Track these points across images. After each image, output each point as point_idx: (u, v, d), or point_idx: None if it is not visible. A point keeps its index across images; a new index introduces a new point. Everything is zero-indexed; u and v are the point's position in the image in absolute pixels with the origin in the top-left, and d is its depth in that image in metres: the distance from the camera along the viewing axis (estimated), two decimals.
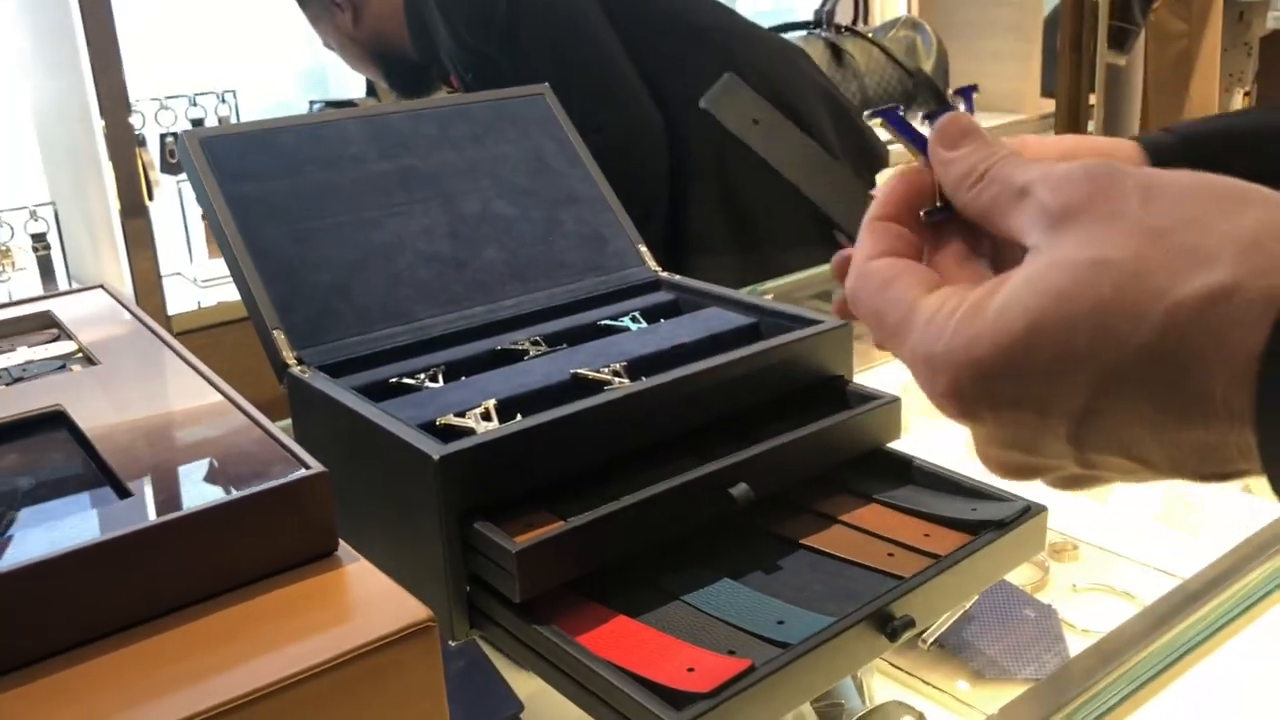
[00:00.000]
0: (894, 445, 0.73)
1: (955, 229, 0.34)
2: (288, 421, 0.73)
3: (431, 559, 0.60)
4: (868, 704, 0.73)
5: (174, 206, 2.05)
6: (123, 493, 0.48)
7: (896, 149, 1.78)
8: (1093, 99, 2.35)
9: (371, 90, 1.99)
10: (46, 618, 0.43)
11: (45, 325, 0.68)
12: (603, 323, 0.81)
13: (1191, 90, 2.32)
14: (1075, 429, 0.28)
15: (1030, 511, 0.65)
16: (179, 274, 2.10)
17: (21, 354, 0.62)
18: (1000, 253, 0.33)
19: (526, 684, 0.74)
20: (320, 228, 0.78)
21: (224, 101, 2.12)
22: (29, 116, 2.00)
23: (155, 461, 0.51)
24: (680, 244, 1.44)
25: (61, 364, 0.61)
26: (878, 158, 1.63)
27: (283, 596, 0.46)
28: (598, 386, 0.70)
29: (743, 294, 0.83)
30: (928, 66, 2.31)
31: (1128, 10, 2.33)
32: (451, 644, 0.62)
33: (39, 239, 1.85)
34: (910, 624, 0.58)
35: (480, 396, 0.68)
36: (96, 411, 0.55)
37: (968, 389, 0.29)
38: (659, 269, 0.89)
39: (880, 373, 1.28)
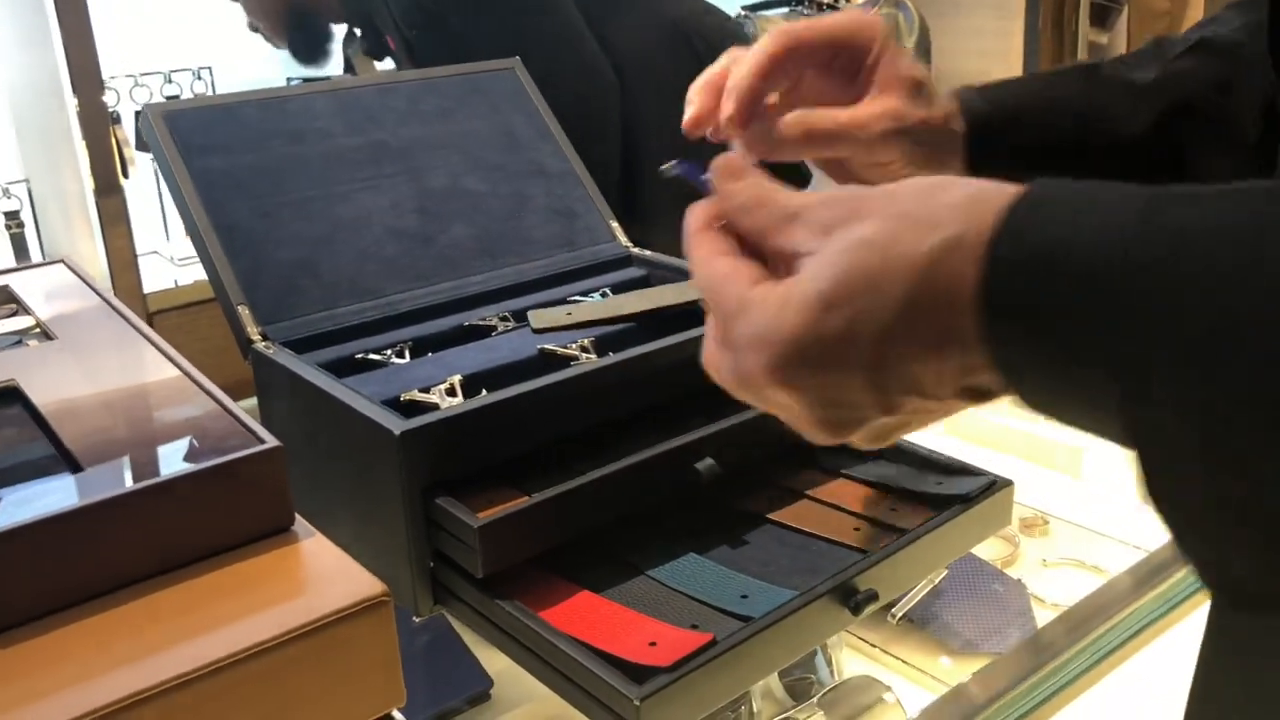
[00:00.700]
0: None
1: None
2: (255, 399, 0.73)
3: (395, 535, 0.60)
4: (836, 678, 0.74)
5: (150, 184, 2.03)
6: (76, 468, 0.48)
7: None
8: None
9: (350, 68, 1.97)
10: None
11: (4, 300, 0.67)
12: (572, 299, 0.80)
13: None
14: (872, 376, 0.35)
15: (995, 486, 0.65)
16: (155, 252, 2.08)
17: None
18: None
19: (497, 660, 0.74)
20: (286, 203, 0.77)
21: (200, 78, 2.09)
22: (2, 93, 1.97)
23: (109, 437, 0.50)
24: (632, 209, 1.42)
25: (18, 339, 0.61)
26: None
27: (237, 572, 0.46)
28: (564, 362, 0.69)
29: None
30: (910, 44, 2.30)
31: None
32: (416, 620, 0.62)
33: (12, 216, 1.82)
34: (874, 598, 0.58)
35: (446, 372, 0.68)
36: (52, 387, 0.54)
37: (785, 360, 0.36)
38: (629, 245, 0.88)
39: None
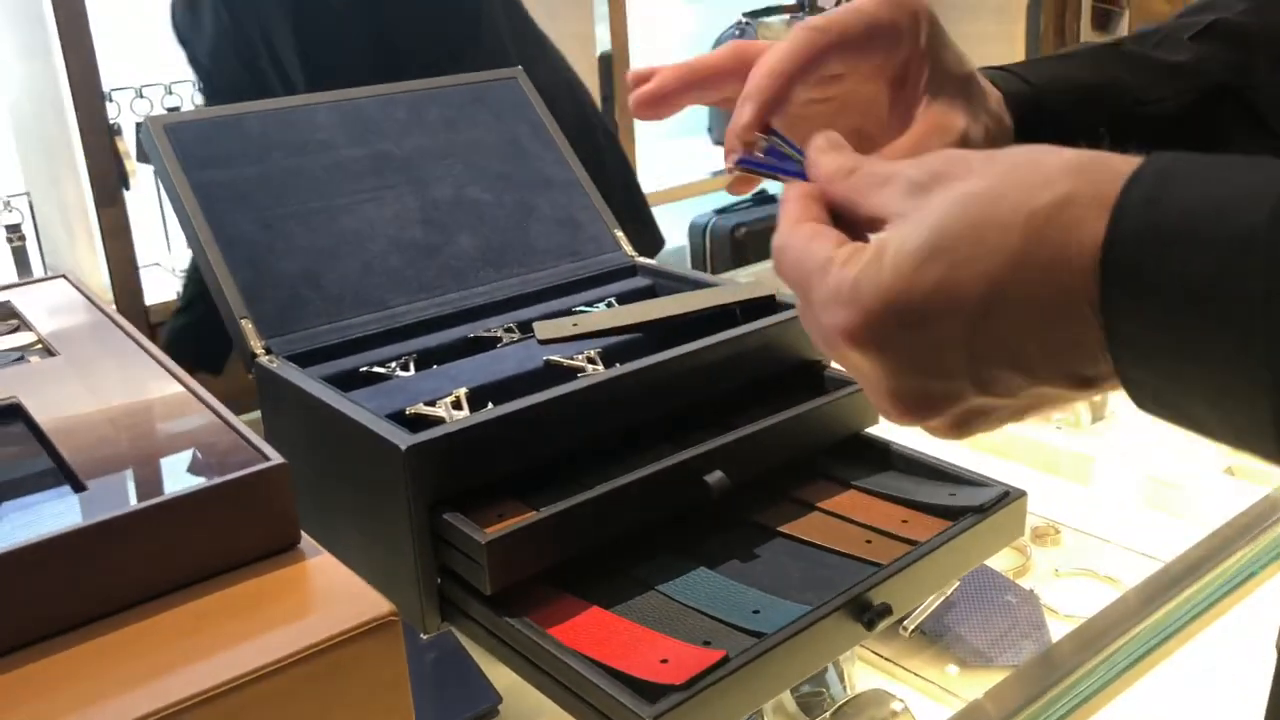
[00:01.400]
0: (872, 430, 0.72)
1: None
2: (257, 412, 0.72)
3: (402, 551, 0.59)
4: (849, 692, 0.73)
5: (151, 195, 2.03)
6: (78, 487, 0.47)
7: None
8: None
9: None
10: None
11: (5, 316, 0.66)
12: (578, 309, 0.80)
13: None
14: (969, 336, 0.32)
15: (1009, 496, 0.64)
16: (157, 264, 2.08)
17: None
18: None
19: (506, 676, 0.73)
20: (289, 214, 0.76)
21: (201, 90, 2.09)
22: (3, 106, 1.97)
23: (113, 454, 0.49)
24: None
25: (20, 355, 0.60)
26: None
27: (243, 591, 0.45)
28: (571, 373, 0.68)
29: (718, 278, 0.82)
30: None
31: None
32: (424, 637, 0.61)
33: (13, 230, 1.82)
34: (887, 612, 0.57)
35: (451, 385, 0.67)
36: (53, 404, 0.54)
37: (872, 315, 0.33)
38: (634, 254, 0.87)
39: None
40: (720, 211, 2.82)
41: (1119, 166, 0.31)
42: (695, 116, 2.36)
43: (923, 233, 0.32)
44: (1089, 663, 0.65)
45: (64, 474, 0.49)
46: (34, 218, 1.88)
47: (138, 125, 2.00)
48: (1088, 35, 2.45)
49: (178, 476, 0.48)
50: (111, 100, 1.81)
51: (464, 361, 0.71)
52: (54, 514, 0.46)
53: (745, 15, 2.18)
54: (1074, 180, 0.31)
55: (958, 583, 0.79)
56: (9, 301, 0.67)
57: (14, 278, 1.82)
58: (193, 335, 1.32)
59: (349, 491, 0.63)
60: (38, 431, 0.52)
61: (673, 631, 0.55)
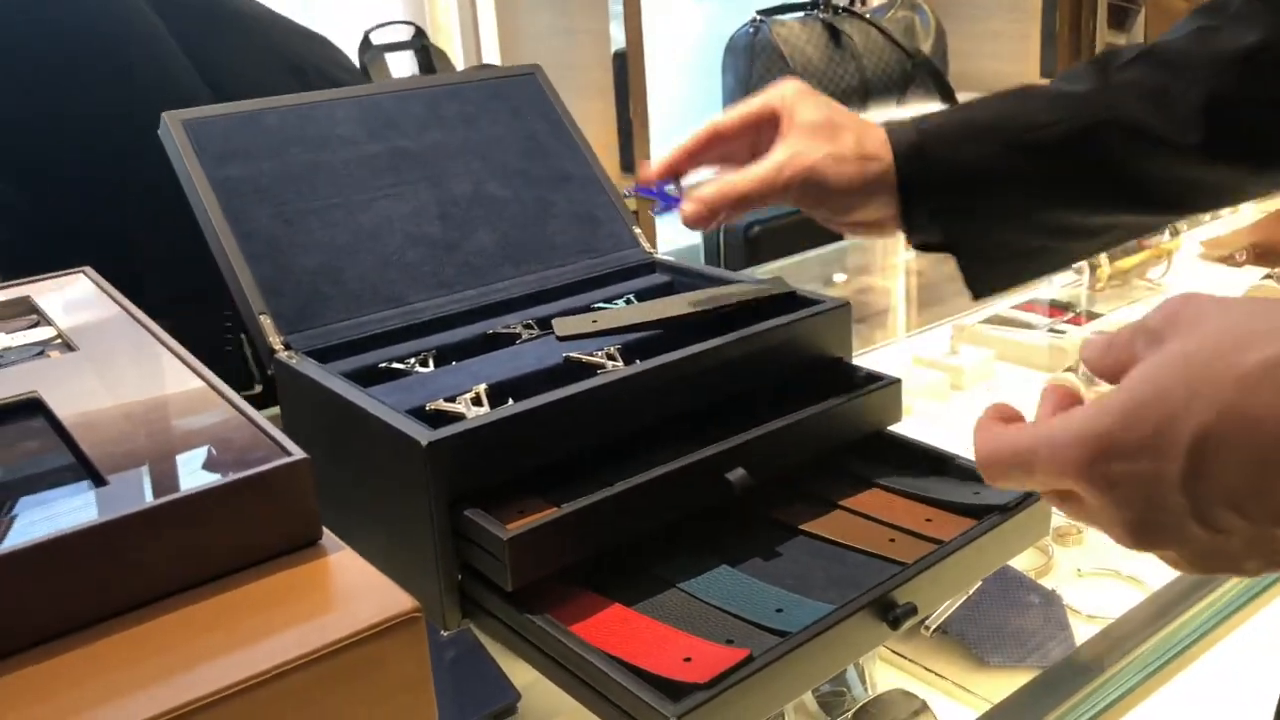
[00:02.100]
0: (895, 428, 0.71)
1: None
2: (277, 409, 0.72)
3: (422, 547, 0.59)
4: (870, 692, 0.72)
5: None
6: (99, 481, 0.47)
7: None
8: None
9: (366, 75, 1.97)
10: (19, 610, 0.41)
11: (24, 311, 0.66)
12: (596, 306, 0.79)
13: None
14: (1185, 481, 0.35)
15: (1033, 496, 0.64)
16: None
17: None
18: None
19: (524, 673, 0.73)
20: (308, 210, 0.76)
21: None
22: None
23: (133, 449, 0.49)
24: None
25: (40, 350, 0.60)
26: None
27: (265, 587, 0.45)
28: (591, 370, 0.68)
29: (737, 275, 0.81)
30: (926, 47, 2.29)
31: None
32: (444, 634, 0.61)
33: None
34: (912, 611, 0.57)
35: (471, 381, 0.67)
36: (74, 398, 0.53)
37: (1100, 451, 0.36)
38: (653, 251, 0.87)
39: (880, 355, 1.27)
40: None
41: None
42: (710, 114, 2.36)
43: (1135, 391, 0.36)
44: (1116, 665, 0.64)
45: (85, 469, 0.48)
46: None
47: None
48: (1104, 33, 2.44)
49: (199, 471, 0.48)
50: None
51: (483, 358, 0.71)
52: (75, 509, 0.46)
53: (759, 14, 2.17)
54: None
55: (980, 582, 0.78)
56: (28, 296, 0.67)
57: None
58: None
59: (369, 488, 0.63)
60: (58, 426, 0.51)
61: (695, 630, 0.55)
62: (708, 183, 0.66)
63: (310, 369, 0.67)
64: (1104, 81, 0.66)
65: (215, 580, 0.45)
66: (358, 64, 1.93)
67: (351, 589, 0.45)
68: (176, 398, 0.54)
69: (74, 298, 0.67)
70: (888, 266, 1.67)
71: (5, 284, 0.68)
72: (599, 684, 0.52)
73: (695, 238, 2.55)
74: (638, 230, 0.88)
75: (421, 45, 1.88)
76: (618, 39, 1.86)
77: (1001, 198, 0.65)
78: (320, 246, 0.75)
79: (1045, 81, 0.72)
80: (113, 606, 0.43)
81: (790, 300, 0.74)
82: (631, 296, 0.81)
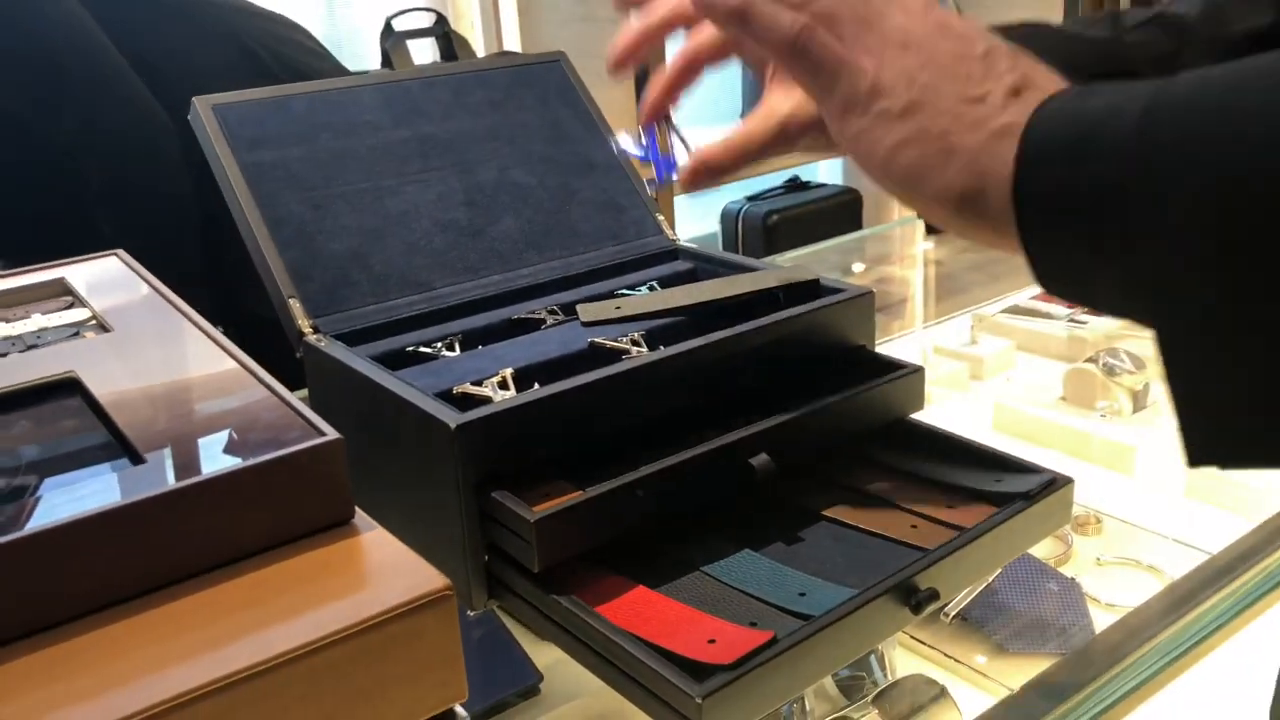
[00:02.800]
0: (917, 416, 0.72)
1: None
2: (305, 391, 0.73)
3: (449, 528, 0.59)
4: (890, 677, 0.73)
5: None
6: (136, 459, 0.48)
7: None
8: None
9: (387, 61, 1.97)
10: (60, 584, 0.42)
11: (59, 292, 0.67)
12: (620, 292, 0.80)
13: None
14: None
15: (1055, 484, 0.64)
16: None
17: (35, 321, 0.62)
18: None
19: (546, 654, 0.74)
20: (336, 195, 0.77)
21: None
22: None
23: (169, 428, 0.50)
24: (225, 268, 1.17)
25: (75, 331, 0.61)
26: None
27: (299, 564, 0.46)
28: (615, 355, 0.69)
29: (760, 262, 0.82)
30: None
31: None
32: (470, 614, 0.62)
33: None
34: (934, 597, 0.57)
35: (497, 365, 0.67)
36: (110, 378, 0.54)
37: None
38: (675, 238, 0.87)
39: (900, 344, 1.27)
40: (752, 198, 2.82)
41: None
42: (728, 103, 2.36)
43: None
44: (1135, 653, 0.64)
45: (122, 447, 0.49)
46: None
47: None
48: (1128, 5, 2.42)
49: (234, 451, 0.49)
50: None
51: (508, 342, 0.72)
52: (113, 486, 0.47)
53: None
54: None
55: (1000, 570, 0.78)
56: (63, 278, 0.68)
57: None
58: None
59: (396, 469, 0.64)
60: (95, 405, 0.52)
61: (719, 612, 0.56)
62: (695, 156, 0.61)
63: (339, 351, 0.68)
64: (1118, 35, 0.64)
65: (249, 558, 0.46)
66: (379, 51, 1.94)
67: (384, 567, 0.45)
68: (210, 378, 0.55)
69: (107, 279, 0.68)
70: (907, 256, 1.67)
71: (40, 265, 0.70)
72: (625, 664, 0.52)
73: (713, 226, 2.55)
74: (661, 217, 0.88)
75: (443, 32, 1.89)
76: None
77: None
78: (348, 232, 0.75)
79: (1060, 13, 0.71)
80: (149, 583, 0.44)
81: (813, 288, 0.74)
82: (655, 283, 0.81)
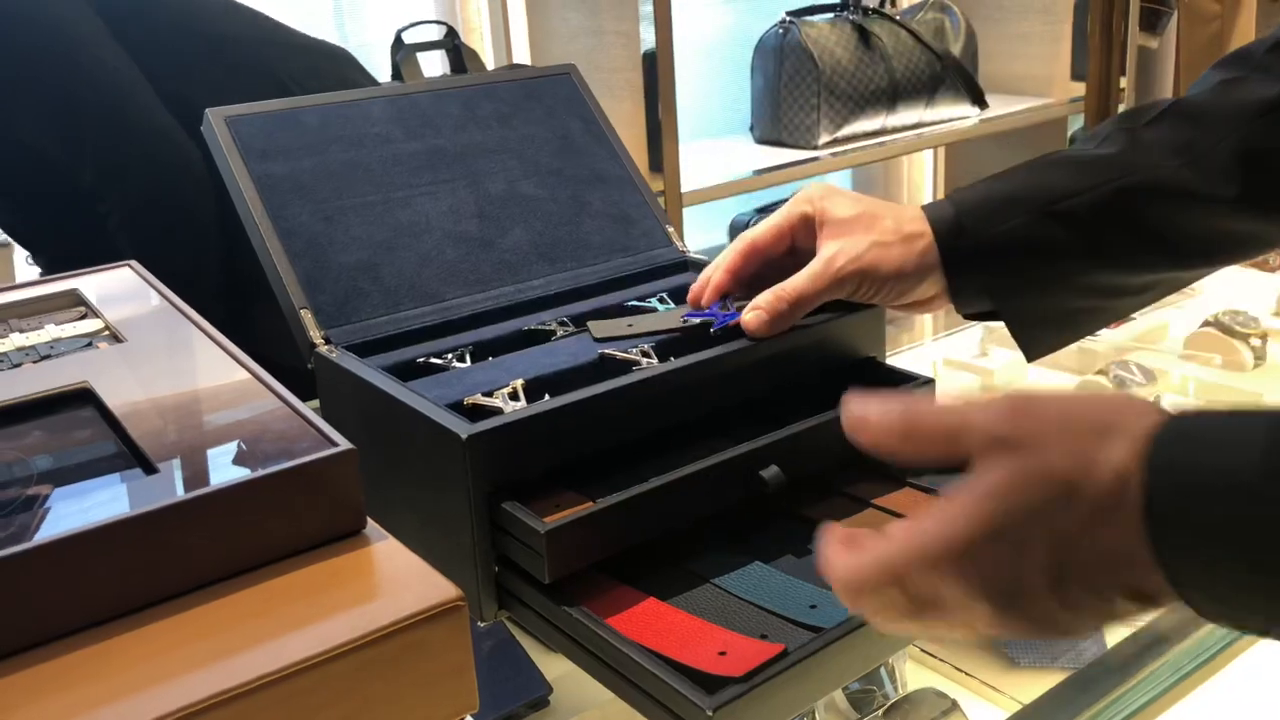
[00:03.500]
0: None
1: None
2: (316, 402, 0.73)
3: (460, 539, 0.60)
4: (900, 690, 0.72)
5: None
6: (149, 469, 0.48)
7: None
8: (1124, 82, 2.31)
9: (397, 74, 1.98)
10: (72, 594, 0.42)
11: (72, 303, 0.68)
12: (630, 304, 0.80)
13: None
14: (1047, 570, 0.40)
15: None
16: None
17: (49, 331, 0.62)
18: None
19: (555, 666, 0.74)
20: (347, 207, 0.77)
21: None
22: None
23: (182, 439, 0.50)
24: (245, 291, 1.16)
25: (88, 341, 0.61)
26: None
27: (310, 574, 0.46)
28: (626, 367, 0.69)
29: None
30: (956, 49, 2.28)
31: None
32: (480, 625, 0.62)
33: None
34: None
35: (507, 377, 0.67)
36: (123, 389, 0.54)
37: (966, 547, 0.41)
38: (685, 249, 0.88)
39: (909, 357, 1.27)
40: (761, 210, 2.82)
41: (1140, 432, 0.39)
42: (737, 115, 2.36)
43: (996, 493, 0.42)
44: (1148, 667, 0.64)
45: (135, 457, 0.49)
46: None
47: None
48: (1135, 36, 2.42)
49: (247, 462, 0.49)
50: None
51: (519, 354, 0.72)
52: (126, 496, 0.47)
53: (789, 14, 2.18)
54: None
55: None
56: (76, 289, 0.68)
57: None
58: None
59: (407, 480, 0.64)
60: (108, 416, 0.52)
61: (729, 624, 0.55)
62: (765, 291, 0.67)
63: (350, 363, 0.68)
64: (1131, 141, 0.67)
65: (262, 568, 0.46)
66: (390, 64, 1.94)
67: (395, 577, 0.46)
68: (223, 389, 0.55)
69: (120, 290, 0.69)
70: None
71: (54, 276, 0.70)
72: (635, 676, 0.52)
73: (723, 238, 2.56)
74: (671, 229, 0.88)
75: (453, 45, 1.89)
76: (647, 40, 1.87)
77: (1045, 266, 0.66)
78: (359, 243, 0.76)
79: (1073, 127, 0.74)
80: (161, 592, 0.44)
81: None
82: (664, 295, 0.82)
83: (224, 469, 0.48)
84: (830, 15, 2.21)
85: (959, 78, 2.23)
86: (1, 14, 1.07)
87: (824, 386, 0.70)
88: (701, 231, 2.33)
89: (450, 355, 0.72)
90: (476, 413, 0.63)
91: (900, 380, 0.71)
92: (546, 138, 0.88)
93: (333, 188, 0.77)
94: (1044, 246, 0.66)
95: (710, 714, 0.48)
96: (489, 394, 0.65)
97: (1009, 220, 0.66)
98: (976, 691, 0.74)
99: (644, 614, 0.56)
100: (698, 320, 0.71)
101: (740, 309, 0.69)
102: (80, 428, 0.52)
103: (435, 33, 1.91)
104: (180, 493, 0.45)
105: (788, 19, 2.16)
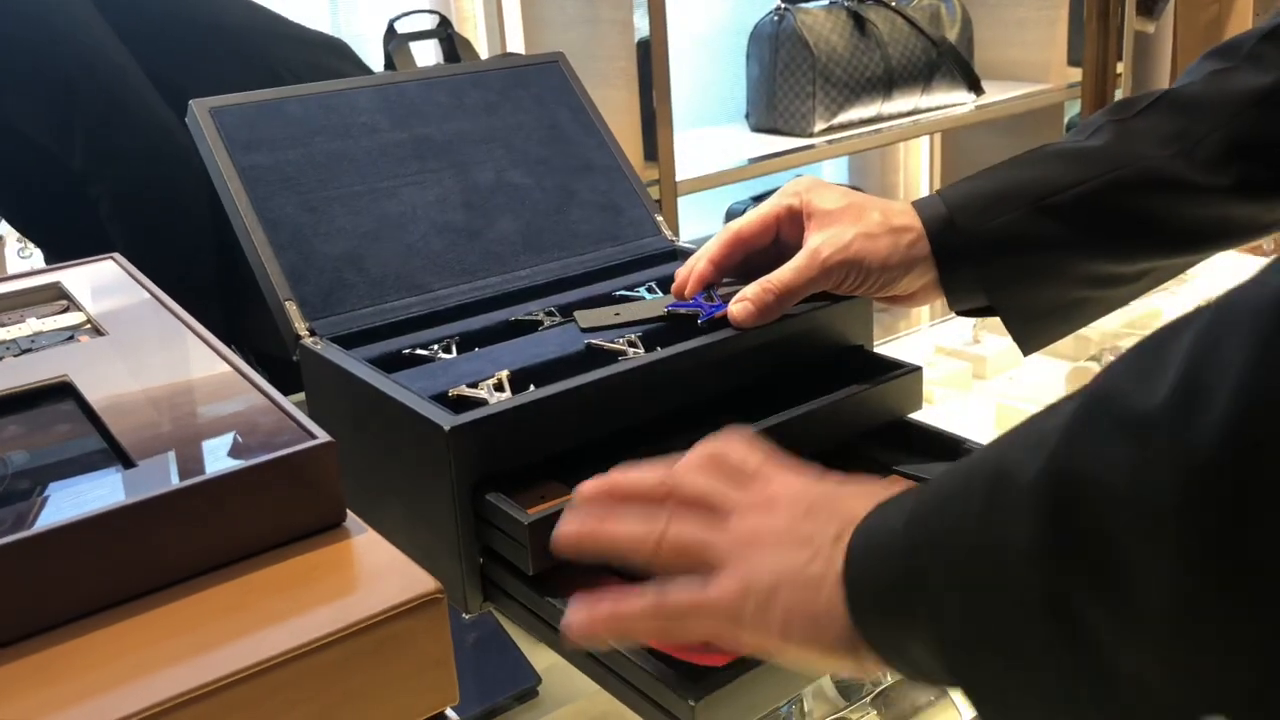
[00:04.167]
0: (916, 416, 0.71)
1: None
2: (302, 394, 0.73)
3: (444, 531, 0.59)
4: (888, 677, 0.72)
5: None
6: (128, 463, 0.48)
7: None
8: (1120, 68, 2.30)
9: (390, 64, 1.98)
10: (50, 589, 0.42)
11: (55, 296, 0.67)
12: (618, 293, 0.80)
13: None
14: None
15: None
16: None
17: (30, 325, 0.62)
18: None
19: (546, 656, 0.73)
20: (333, 198, 0.77)
21: None
22: None
23: (161, 432, 0.50)
24: (238, 287, 1.13)
25: (70, 335, 0.61)
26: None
27: (290, 568, 0.46)
28: (612, 356, 0.68)
29: None
30: (952, 35, 2.27)
31: None
32: (466, 617, 0.62)
33: None
34: None
35: (493, 367, 0.67)
36: (103, 382, 0.54)
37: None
38: (674, 238, 0.87)
39: (903, 344, 1.26)
40: (758, 198, 2.81)
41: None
42: (733, 103, 2.35)
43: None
44: None
45: (114, 451, 0.49)
46: None
47: None
48: (1132, 21, 2.41)
49: (226, 455, 0.48)
50: None
51: (505, 344, 0.72)
52: (105, 491, 0.47)
53: (783, 2, 2.17)
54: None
55: None
56: (59, 282, 0.68)
57: None
58: None
59: (392, 472, 0.64)
60: (88, 409, 0.52)
61: None
62: (752, 283, 0.67)
63: (335, 354, 0.68)
64: (1122, 132, 0.67)
65: (241, 561, 0.46)
66: (379, 53, 1.94)
67: (375, 570, 0.45)
68: (203, 382, 0.55)
69: (103, 283, 0.68)
70: None
71: (36, 270, 0.70)
72: (618, 667, 0.52)
73: (718, 225, 2.55)
74: (659, 218, 0.88)
75: (446, 34, 1.89)
76: (642, 28, 1.86)
77: (1037, 258, 0.66)
78: (345, 234, 0.75)
79: (1070, 117, 0.74)
80: (140, 587, 0.44)
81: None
82: (653, 284, 0.81)
83: (202, 463, 0.48)
84: (825, 2, 2.20)
85: (955, 64, 2.22)
86: None
87: (812, 375, 0.70)
88: (698, 220, 2.33)
89: (436, 346, 0.71)
90: (461, 404, 0.63)
91: (887, 368, 0.70)
92: (534, 126, 0.88)
93: (318, 178, 0.77)
94: (1037, 241, 0.66)
95: (693, 704, 0.48)
96: (474, 385, 0.65)
97: (1001, 215, 0.66)
98: None
99: None
100: (684, 311, 0.71)
101: (726, 298, 0.69)
102: (59, 421, 0.52)
103: (428, 22, 1.90)
104: (159, 486, 0.45)
105: (783, 6, 2.15)
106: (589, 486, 0.51)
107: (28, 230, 1.21)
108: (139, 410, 0.52)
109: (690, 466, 0.50)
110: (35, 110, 1.06)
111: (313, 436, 0.48)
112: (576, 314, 0.74)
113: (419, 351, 0.71)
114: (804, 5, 2.16)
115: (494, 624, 0.74)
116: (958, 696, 0.70)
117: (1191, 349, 0.32)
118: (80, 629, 0.42)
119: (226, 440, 0.50)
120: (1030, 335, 0.69)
